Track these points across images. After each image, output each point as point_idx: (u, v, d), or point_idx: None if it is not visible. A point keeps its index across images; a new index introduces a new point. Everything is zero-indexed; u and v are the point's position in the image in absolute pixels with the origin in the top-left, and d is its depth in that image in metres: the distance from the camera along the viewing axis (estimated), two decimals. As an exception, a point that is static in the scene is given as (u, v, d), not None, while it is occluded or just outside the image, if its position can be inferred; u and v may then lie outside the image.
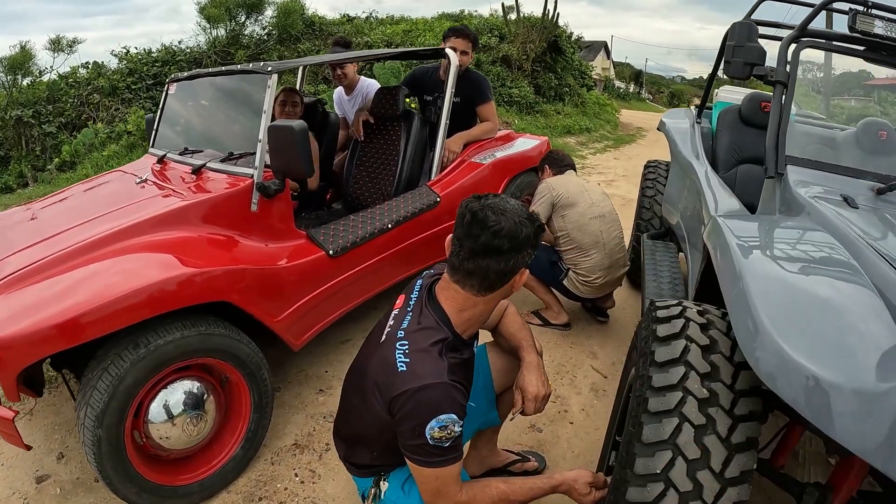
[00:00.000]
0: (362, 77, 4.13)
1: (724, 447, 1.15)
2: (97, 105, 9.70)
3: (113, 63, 10.52)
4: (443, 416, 1.28)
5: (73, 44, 10.58)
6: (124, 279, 1.74)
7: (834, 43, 2.19)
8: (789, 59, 2.09)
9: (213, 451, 2.07)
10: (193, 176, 2.44)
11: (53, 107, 9.60)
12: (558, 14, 13.99)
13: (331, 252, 2.44)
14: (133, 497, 1.84)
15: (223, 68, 2.82)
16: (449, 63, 3.22)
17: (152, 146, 3.08)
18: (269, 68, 2.39)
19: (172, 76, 3.19)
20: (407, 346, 1.36)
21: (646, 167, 3.98)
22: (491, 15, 15.52)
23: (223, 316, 2.03)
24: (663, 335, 1.36)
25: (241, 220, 2.26)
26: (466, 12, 15.81)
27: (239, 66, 2.66)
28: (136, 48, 10.82)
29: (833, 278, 1.27)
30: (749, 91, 3.50)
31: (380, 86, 3.76)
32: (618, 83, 42.44)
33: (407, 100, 4.17)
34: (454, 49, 3.33)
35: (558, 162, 3.38)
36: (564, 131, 12.57)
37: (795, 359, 0.98)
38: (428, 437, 1.28)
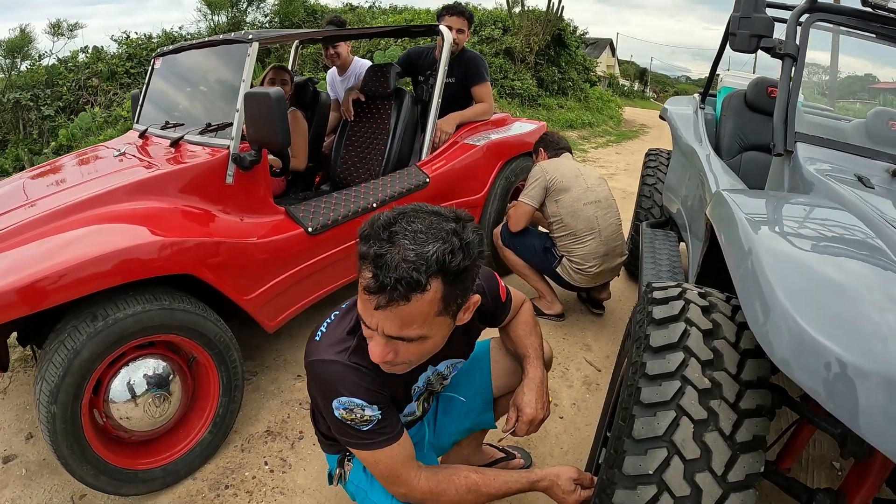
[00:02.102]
0: (356, 58, 4.02)
1: (728, 446, 1.00)
2: (95, 89, 9.61)
3: (112, 48, 10.44)
4: (343, 399, 1.16)
5: (73, 28, 10.51)
6: (86, 246, 1.65)
7: (846, 18, 2.07)
8: (799, 33, 1.97)
9: (179, 436, 1.96)
10: (171, 148, 2.36)
11: (52, 91, 9.51)
12: (563, 7, 13.85)
13: (310, 230, 2.33)
14: (90, 479, 1.73)
15: (206, 39, 2.71)
16: (443, 41, 3.10)
17: (137, 122, 3.00)
18: (250, 37, 2.31)
19: (158, 50, 3.10)
20: (333, 318, 1.27)
21: (647, 155, 3.86)
22: (495, 8, 15.39)
23: (191, 292, 1.92)
24: (660, 317, 1.21)
25: (216, 193, 2.14)
26: (471, 5, 15.63)
27: (221, 37, 2.56)
28: (137, 33, 10.72)
29: (855, 256, 1.12)
30: (755, 76, 3.37)
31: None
32: (622, 81, 42.21)
33: (406, 82, 4.07)
34: (449, 28, 3.21)
35: (553, 144, 3.24)
36: (566, 125, 12.43)
37: (816, 338, 0.83)
38: (338, 416, 1.18)
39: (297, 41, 4.22)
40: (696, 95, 3.76)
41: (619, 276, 3.33)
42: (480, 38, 13.11)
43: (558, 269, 3.04)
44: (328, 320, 1.28)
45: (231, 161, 2.15)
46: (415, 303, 0.99)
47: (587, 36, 18.93)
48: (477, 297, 1.16)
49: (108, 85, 9.60)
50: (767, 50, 1.94)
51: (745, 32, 1.93)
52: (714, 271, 1.66)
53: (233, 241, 2.03)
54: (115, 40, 10.51)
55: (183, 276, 1.88)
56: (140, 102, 3.04)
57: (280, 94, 2.02)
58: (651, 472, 1.01)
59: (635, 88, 44.10)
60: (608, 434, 1.63)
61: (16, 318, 1.51)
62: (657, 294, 1.30)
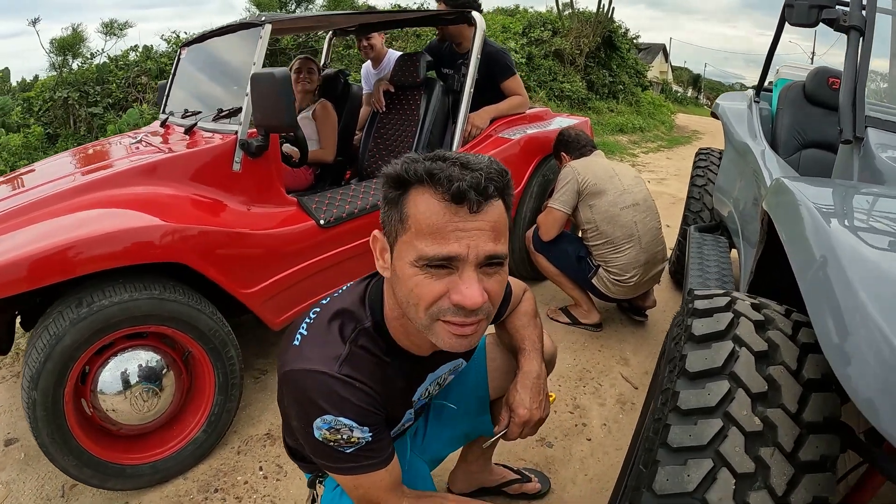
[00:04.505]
0: (390, 50, 3.88)
1: None
2: (144, 87, 9.81)
3: (163, 47, 10.66)
4: (328, 417, 0.96)
5: (123, 27, 10.81)
6: (65, 231, 1.58)
7: None
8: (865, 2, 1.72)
9: (172, 432, 1.86)
10: (186, 136, 2.28)
11: (102, 88, 9.75)
12: (613, 9, 13.52)
13: (322, 222, 2.18)
14: (73, 470, 1.65)
15: (226, 25, 2.62)
16: (475, 28, 2.90)
17: (162, 111, 2.96)
18: (263, 19, 2.21)
19: (185, 41, 3.06)
20: (315, 316, 1.07)
21: (697, 154, 3.59)
22: (547, 11, 15.13)
23: (190, 284, 1.81)
24: (701, 333, 0.98)
25: (223, 180, 2.03)
26: (521, 7, 15.45)
27: (238, 22, 2.47)
28: (186, 33, 10.91)
29: None
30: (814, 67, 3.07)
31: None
32: (675, 87, 41.14)
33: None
34: None
35: (575, 145, 2.94)
36: (616, 129, 12.08)
37: None
38: (318, 437, 0.98)
39: (330, 33, 4.12)
40: (751, 90, 3.48)
41: (659, 283, 3.06)
42: (529, 40, 12.90)
43: (594, 280, 2.80)
44: (308, 320, 1.07)
45: (238, 147, 2.03)
46: (500, 205, 0.92)
47: (639, 41, 18.49)
48: None
49: (156, 83, 9.78)
50: (829, 23, 1.70)
51: (804, 3, 1.71)
52: (770, 281, 1.42)
53: (233, 231, 1.90)
54: (165, 39, 10.74)
55: (181, 267, 1.77)
56: (166, 92, 3.00)
57: (285, 74, 1.89)
58: None
59: (689, 95, 42.85)
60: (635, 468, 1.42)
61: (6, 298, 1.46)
62: (700, 304, 1.06)
